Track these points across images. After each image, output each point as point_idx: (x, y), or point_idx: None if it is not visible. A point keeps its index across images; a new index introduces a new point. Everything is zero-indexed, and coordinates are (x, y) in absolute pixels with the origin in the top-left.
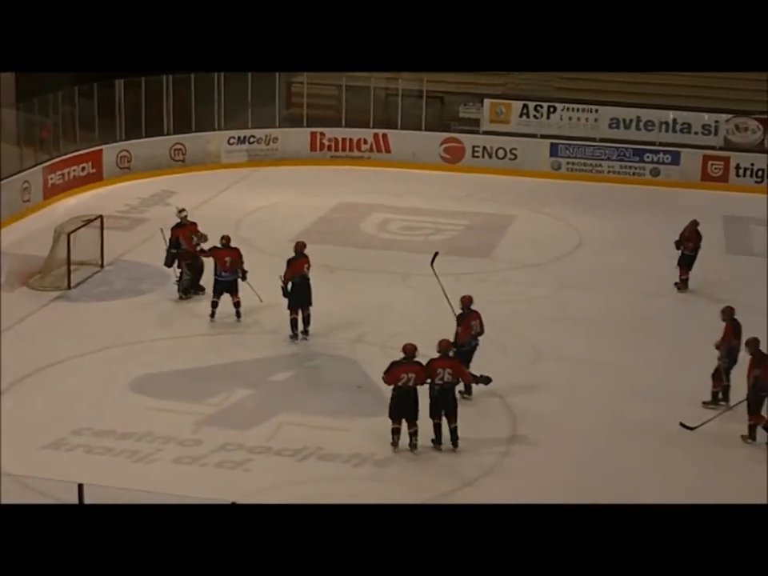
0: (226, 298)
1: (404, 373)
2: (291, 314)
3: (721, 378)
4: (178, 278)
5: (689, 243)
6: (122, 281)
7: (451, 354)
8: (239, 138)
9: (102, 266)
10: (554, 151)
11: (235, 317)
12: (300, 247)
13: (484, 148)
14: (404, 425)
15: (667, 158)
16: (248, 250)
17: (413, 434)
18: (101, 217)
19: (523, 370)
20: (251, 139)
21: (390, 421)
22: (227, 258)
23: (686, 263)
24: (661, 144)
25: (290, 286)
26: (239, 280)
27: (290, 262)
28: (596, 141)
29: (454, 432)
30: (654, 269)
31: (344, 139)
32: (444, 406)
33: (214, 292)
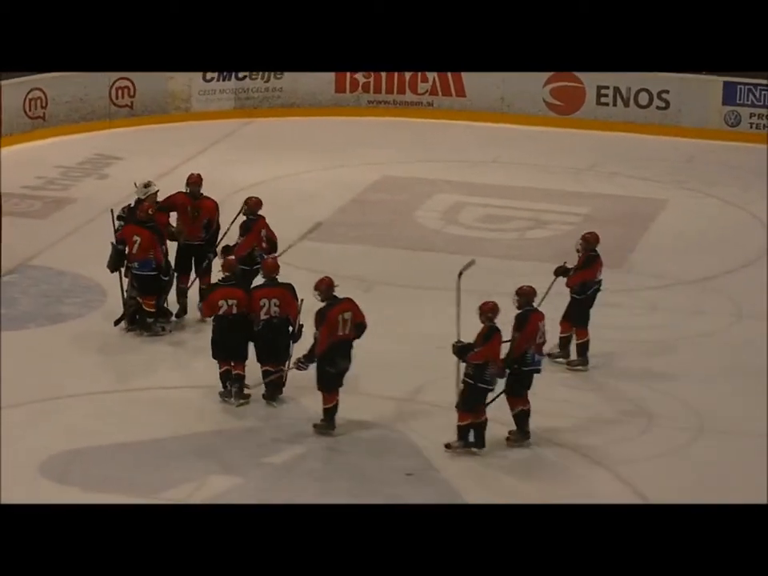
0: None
1: (223, 298)
2: (180, 284)
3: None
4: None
5: None
6: (32, 299)
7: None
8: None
9: None
10: (729, 95)
11: None
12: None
13: (616, 90)
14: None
15: None
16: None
17: (236, 378)
18: None
19: (674, 447)
20: (240, 73)
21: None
22: (136, 238)
23: None
24: None
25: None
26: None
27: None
28: None
29: (277, 383)
30: None
31: (390, 75)
32: (273, 347)
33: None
